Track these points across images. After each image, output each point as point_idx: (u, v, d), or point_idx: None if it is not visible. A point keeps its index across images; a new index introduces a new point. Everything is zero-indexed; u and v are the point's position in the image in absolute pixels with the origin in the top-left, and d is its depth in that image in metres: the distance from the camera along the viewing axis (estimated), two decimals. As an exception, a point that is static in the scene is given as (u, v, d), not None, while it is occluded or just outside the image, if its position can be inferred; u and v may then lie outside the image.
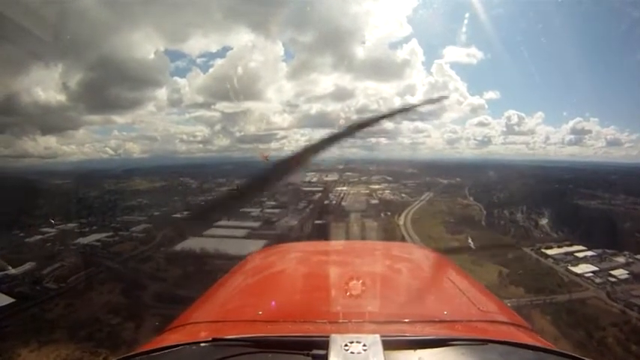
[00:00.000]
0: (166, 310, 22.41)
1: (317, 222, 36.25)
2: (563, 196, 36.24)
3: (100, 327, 24.29)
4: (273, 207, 41.16)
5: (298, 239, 22.50)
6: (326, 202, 42.87)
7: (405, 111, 3.54)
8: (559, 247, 29.91)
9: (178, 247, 32.34)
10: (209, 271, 26.28)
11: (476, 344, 1.44)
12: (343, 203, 41.45)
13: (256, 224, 37.13)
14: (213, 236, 33.89)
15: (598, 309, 23.34)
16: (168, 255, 31.88)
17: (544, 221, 34.06)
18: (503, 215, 34.83)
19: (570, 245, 29.91)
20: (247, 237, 33.45)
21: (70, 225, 35.82)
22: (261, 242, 29.68)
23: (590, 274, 26.16)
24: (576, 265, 27.55)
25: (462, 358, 1.37)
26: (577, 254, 28.75)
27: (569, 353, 1.43)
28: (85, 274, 29.67)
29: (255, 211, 39.98)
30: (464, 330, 1.79)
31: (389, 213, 37.26)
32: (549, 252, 29.42)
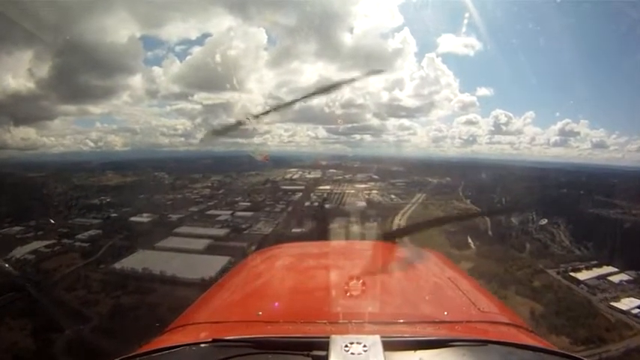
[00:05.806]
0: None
1: (295, 230, 29.25)
2: (576, 203, 30.10)
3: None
4: (246, 209, 33.94)
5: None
6: (307, 203, 35.93)
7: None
8: (587, 268, 23.77)
9: (121, 264, 24.70)
10: (148, 304, 19.19)
11: (476, 345, 1.38)
12: (327, 206, 34.58)
13: (223, 232, 29.58)
14: (166, 249, 26.47)
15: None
16: (106, 276, 24.21)
17: (562, 234, 27.82)
18: (512, 224, 28.33)
19: (600, 266, 23.83)
20: (207, 251, 25.90)
21: (16, 228, 29.08)
22: (222, 259, 22.86)
23: (638, 311, 20.15)
24: (615, 296, 21.34)
25: (462, 359, 1.31)
26: (610, 278, 22.81)
27: (569, 354, 1.38)
28: (3, 301, 22.26)
29: (224, 215, 32.91)
30: (464, 331, 1.67)
31: (379, 219, 30.37)
32: (580, 276, 23.23)
